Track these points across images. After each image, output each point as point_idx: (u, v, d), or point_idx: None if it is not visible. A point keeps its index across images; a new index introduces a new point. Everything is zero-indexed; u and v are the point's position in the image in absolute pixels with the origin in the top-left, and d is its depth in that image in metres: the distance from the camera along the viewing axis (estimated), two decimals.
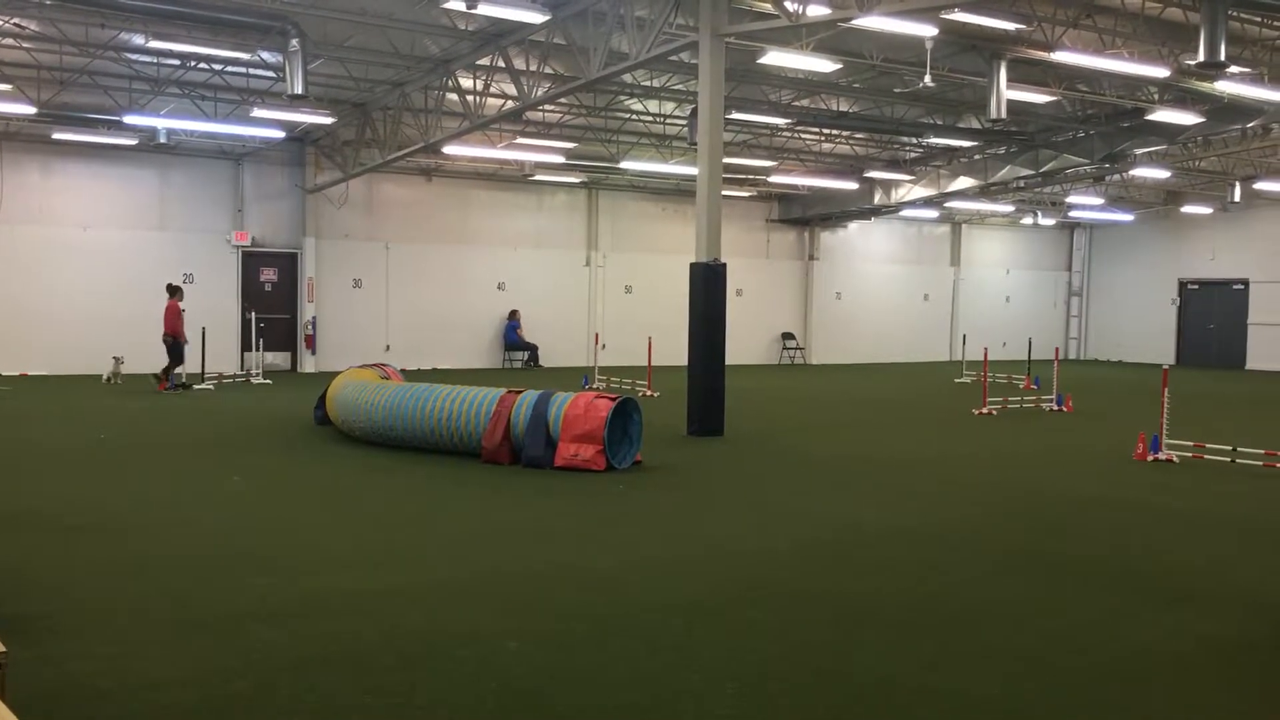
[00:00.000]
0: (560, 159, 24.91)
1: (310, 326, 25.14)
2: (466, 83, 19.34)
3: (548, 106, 20.91)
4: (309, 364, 25.13)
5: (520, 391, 12.04)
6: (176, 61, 18.42)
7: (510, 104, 18.88)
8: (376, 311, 26.19)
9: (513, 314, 27.62)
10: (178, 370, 19.67)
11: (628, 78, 18.65)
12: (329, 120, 21.75)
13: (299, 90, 15.19)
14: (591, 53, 15.69)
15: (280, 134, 22.36)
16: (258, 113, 20.20)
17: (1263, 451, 12.31)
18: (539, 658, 5.41)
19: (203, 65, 18.45)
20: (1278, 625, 6.07)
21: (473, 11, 13.55)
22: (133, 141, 22.23)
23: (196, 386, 20.02)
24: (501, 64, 17.57)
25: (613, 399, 11.50)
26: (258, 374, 22.29)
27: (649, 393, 19.90)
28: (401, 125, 21.38)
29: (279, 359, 25.11)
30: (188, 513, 8.96)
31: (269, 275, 25.30)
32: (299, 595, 6.47)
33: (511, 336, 27.60)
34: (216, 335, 22.51)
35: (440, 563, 7.40)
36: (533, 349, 27.60)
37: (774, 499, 10.13)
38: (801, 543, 8.17)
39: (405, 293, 26.44)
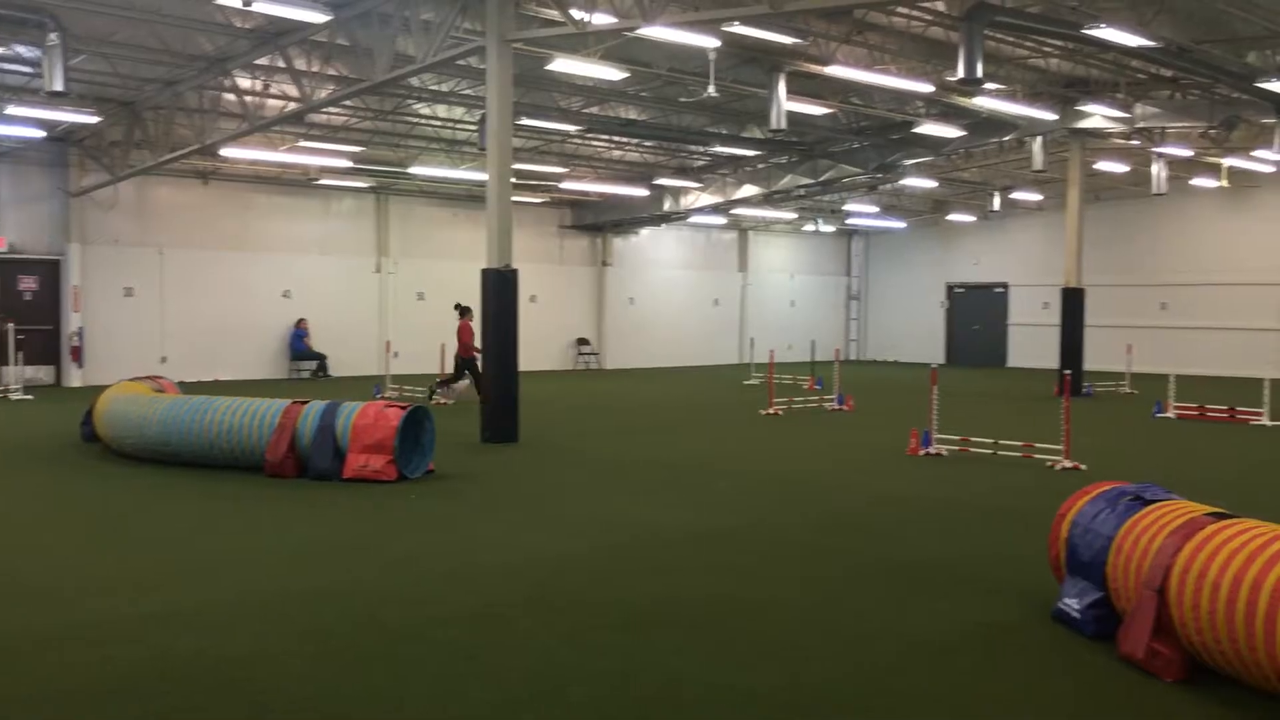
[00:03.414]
0: (346, 163, 24.30)
1: (76, 338, 23.60)
2: (245, 82, 18.60)
3: (332, 109, 20.33)
4: (75, 378, 23.57)
5: (306, 402, 11.67)
6: None
7: (292, 105, 18.29)
8: (150, 321, 24.81)
9: (299, 322, 26.72)
10: (454, 386, 19.74)
11: (415, 81, 18.36)
12: (94, 119, 20.47)
13: (58, 87, 14.22)
14: (377, 55, 15.38)
15: (40, 133, 20.92)
16: (12, 110, 18.81)
17: (1021, 444, 13.21)
18: (325, 676, 5.25)
19: None
20: (1038, 607, 6.51)
21: (249, 9, 13.04)
22: None
23: None
24: (282, 64, 17.00)
25: (403, 407, 11.30)
26: (17, 389, 20.77)
27: (442, 401, 19.64)
28: (175, 126, 20.37)
29: (41, 373, 23.45)
30: None
31: (28, 284, 23.60)
32: (63, 622, 6.07)
33: (298, 346, 26.70)
34: None
35: (217, 583, 7.08)
36: (321, 358, 26.78)
37: (568, 504, 10.17)
38: (595, 547, 8.24)
39: (182, 301, 25.16)
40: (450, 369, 20.59)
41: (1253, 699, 4.97)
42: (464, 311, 19.38)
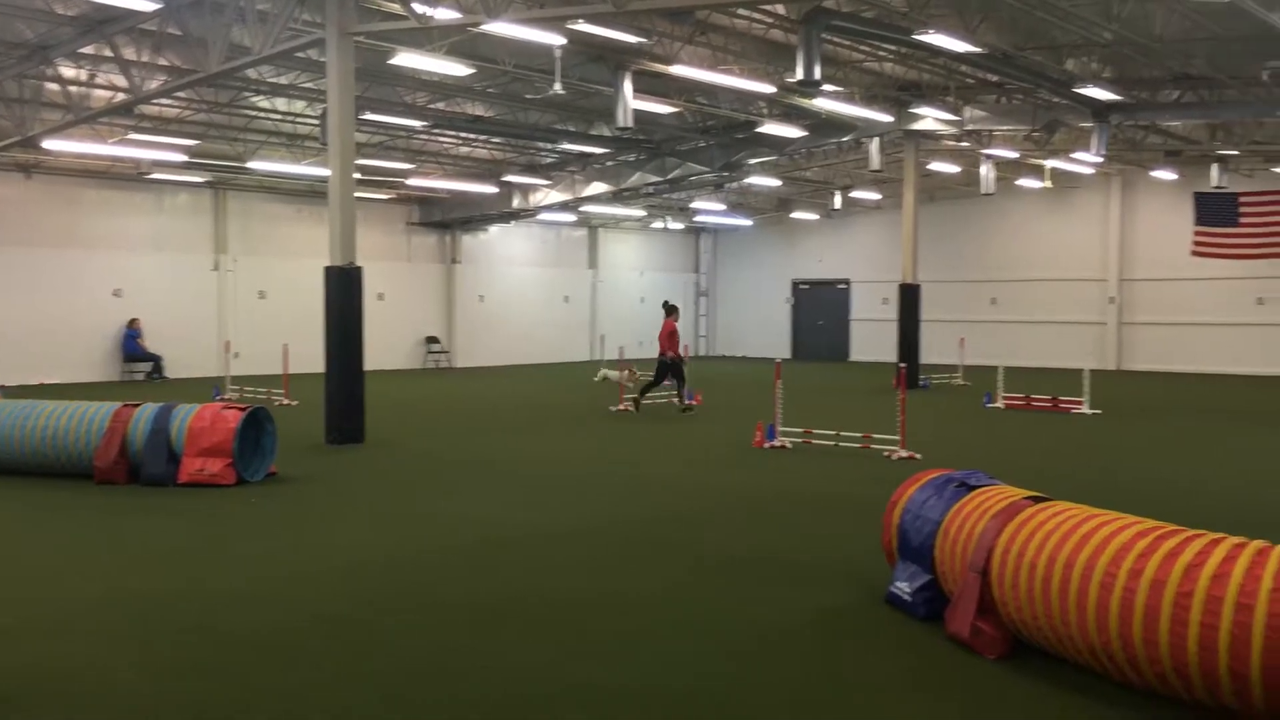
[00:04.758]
0: (181, 157, 23.35)
1: None
2: (69, 72, 17.73)
3: (164, 101, 19.56)
4: None
5: (138, 405, 11.22)
6: None
7: (120, 97, 17.53)
8: None
9: (132, 322, 25.58)
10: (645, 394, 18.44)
11: (253, 73, 17.83)
12: None
13: None
14: (210, 45, 14.88)
15: None
16: None
17: (860, 435, 13.66)
18: (162, 687, 5.08)
19: None
20: (873, 592, 6.76)
21: None
22: None
23: None
24: (109, 53, 16.26)
25: (243, 409, 10.98)
26: None
27: (286, 401, 19.14)
28: None
29: None
30: None
31: None
32: None
33: (131, 347, 25.57)
34: None
35: (44, 594, 6.76)
36: (156, 360, 25.70)
37: (415, 505, 10.06)
38: (443, 547, 8.17)
39: (4, 301, 23.80)
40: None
41: (1069, 673, 5.28)
42: (670, 310, 18.62)
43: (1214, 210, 26.90)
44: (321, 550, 8.06)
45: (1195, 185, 27.65)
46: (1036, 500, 5.82)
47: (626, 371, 18.50)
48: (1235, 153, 24.61)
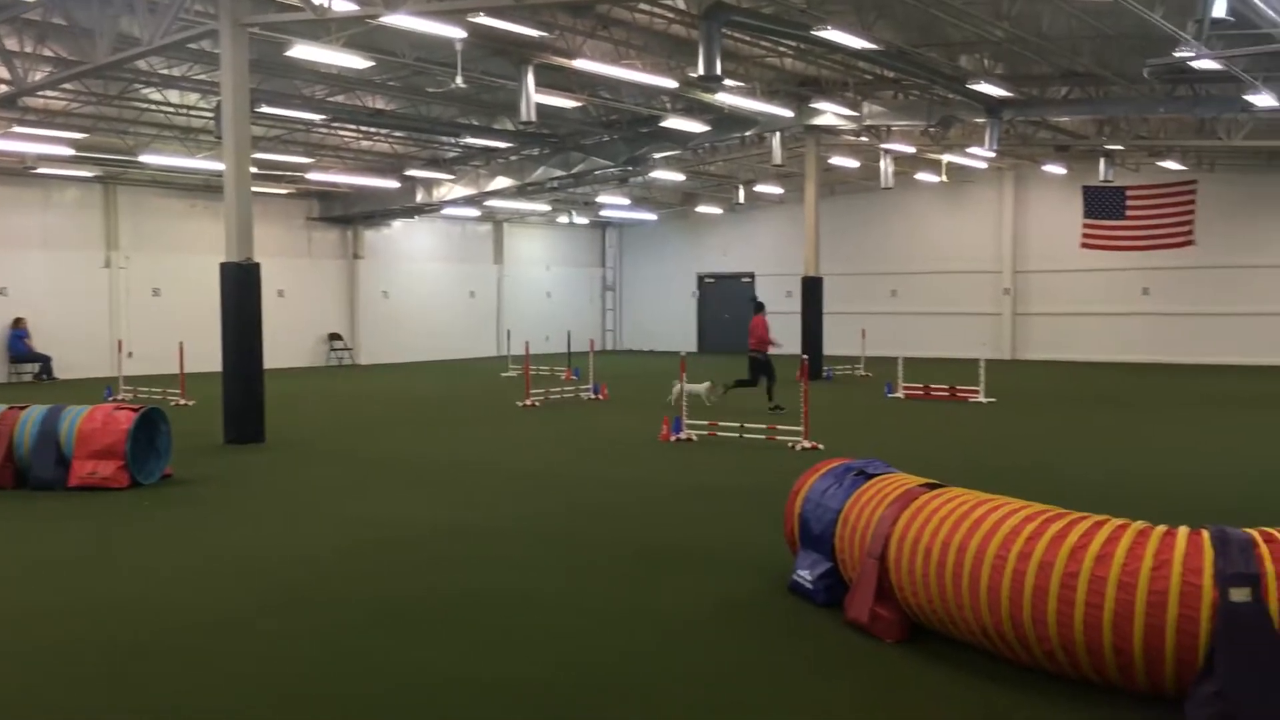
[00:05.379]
0: (68, 151, 22.57)
1: None
2: None
3: (50, 92, 18.87)
4: None
5: (25, 407, 10.85)
6: None
7: (2, 88, 16.88)
8: None
9: (17, 322, 24.66)
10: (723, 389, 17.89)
11: (144, 65, 17.33)
12: None
13: None
14: (98, 36, 14.43)
15: None
16: None
17: (765, 426, 13.83)
18: (48, 697, 4.94)
19: None
20: (776, 581, 6.85)
21: None
22: None
23: None
24: None
25: (136, 409, 10.69)
26: None
27: (183, 401, 18.67)
28: None
29: None
30: None
31: None
32: None
33: (18, 347, 24.66)
34: None
35: None
36: (45, 360, 24.84)
37: (316, 504, 9.91)
38: (343, 547, 8.06)
39: None
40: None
41: (964, 654, 5.43)
42: (760, 307, 18.51)
43: (1102, 204, 27.83)
44: (216, 553, 7.89)
45: (1084, 179, 28.56)
46: (932, 487, 5.97)
47: (708, 385, 17.88)
48: (1121, 148, 25.46)
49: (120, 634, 5.92)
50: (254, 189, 14.44)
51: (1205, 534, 4.67)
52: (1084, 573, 4.75)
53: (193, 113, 21.69)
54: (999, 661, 5.24)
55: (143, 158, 23.41)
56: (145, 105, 21.07)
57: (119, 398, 18.99)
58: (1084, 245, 28.57)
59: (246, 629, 6.00)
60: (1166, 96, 19.49)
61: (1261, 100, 17.20)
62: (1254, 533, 4.66)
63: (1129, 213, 27.78)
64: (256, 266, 13.90)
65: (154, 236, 27.44)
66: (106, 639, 5.83)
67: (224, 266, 13.83)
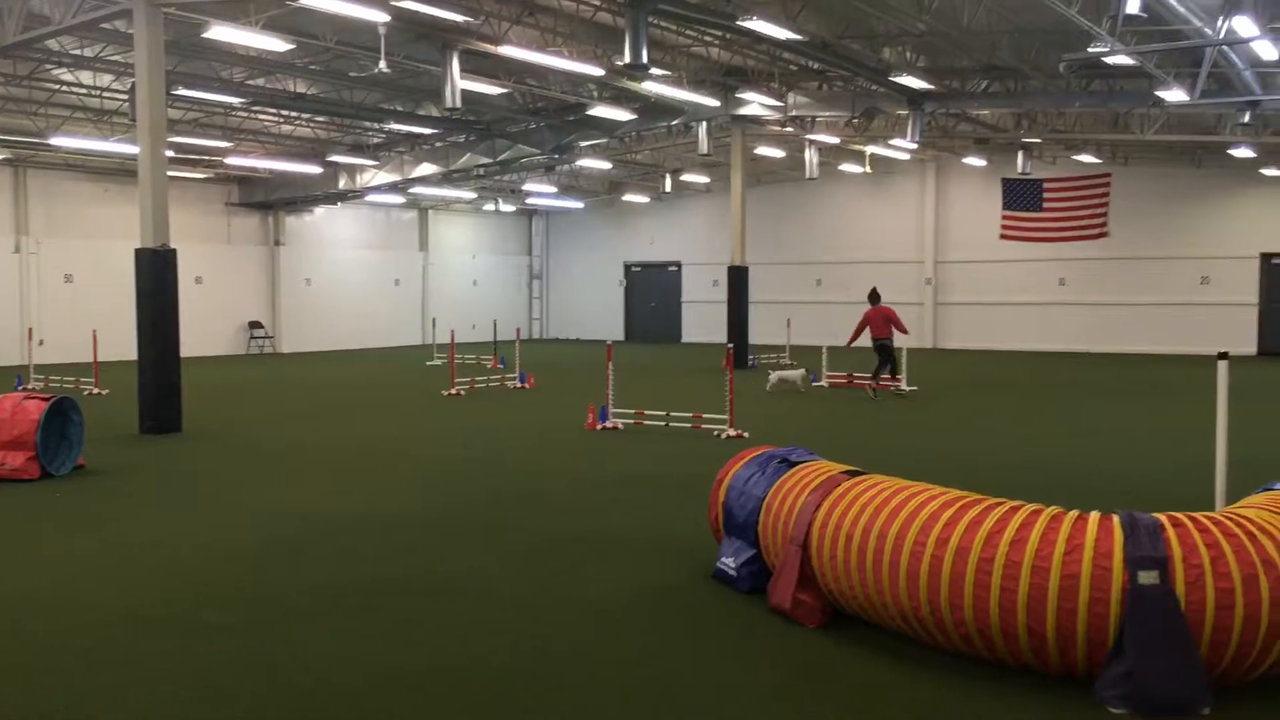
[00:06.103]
0: None
1: None
2: None
3: None
4: None
5: None
6: None
7: None
8: None
9: None
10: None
11: (54, 44, 16.81)
12: None
13: None
14: (6, 14, 13.97)
15: None
16: None
17: (691, 415, 13.90)
18: None
19: None
20: (701, 568, 6.89)
21: None
22: None
23: None
24: None
25: (46, 399, 10.40)
26: None
27: (96, 390, 18.21)
28: None
29: None
30: None
31: None
32: None
33: None
34: None
35: None
36: None
37: (234, 495, 9.73)
38: (261, 539, 7.92)
39: None
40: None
41: (884, 638, 5.51)
42: (874, 298, 18.81)
43: (1020, 196, 28.34)
44: (132, 546, 7.71)
45: (1003, 171, 29.08)
46: (853, 474, 6.04)
47: (802, 372, 19.23)
48: (1039, 141, 26.01)
49: (36, 629, 5.75)
50: (170, 173, 14.12)
51: (1115, 518, 4.80)
52: (999, 557, 4.84)
53: (106, 95, 21.12)
54: (918, 646, 5.33)
55: (54, 140, 22.71)
56: (56, 86, 20.47)
57: (29, 387, 18.46)
58: (1003, 237, 29.08)
59: (166, 622, 5.87)
60: (1082, 91, 19.95)
61: (1172, 95, 17.68)
62: (1162, 517, 4.79)
63: (1046, 205, 28.32)
64: (173, 253, 13.60)
65: (66, 221, 26.69)
66: (23, 635, 5.66)
67: (139, 252, 13.50)
